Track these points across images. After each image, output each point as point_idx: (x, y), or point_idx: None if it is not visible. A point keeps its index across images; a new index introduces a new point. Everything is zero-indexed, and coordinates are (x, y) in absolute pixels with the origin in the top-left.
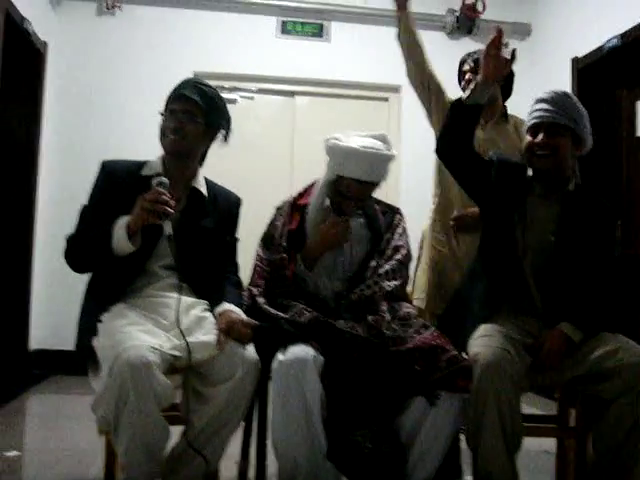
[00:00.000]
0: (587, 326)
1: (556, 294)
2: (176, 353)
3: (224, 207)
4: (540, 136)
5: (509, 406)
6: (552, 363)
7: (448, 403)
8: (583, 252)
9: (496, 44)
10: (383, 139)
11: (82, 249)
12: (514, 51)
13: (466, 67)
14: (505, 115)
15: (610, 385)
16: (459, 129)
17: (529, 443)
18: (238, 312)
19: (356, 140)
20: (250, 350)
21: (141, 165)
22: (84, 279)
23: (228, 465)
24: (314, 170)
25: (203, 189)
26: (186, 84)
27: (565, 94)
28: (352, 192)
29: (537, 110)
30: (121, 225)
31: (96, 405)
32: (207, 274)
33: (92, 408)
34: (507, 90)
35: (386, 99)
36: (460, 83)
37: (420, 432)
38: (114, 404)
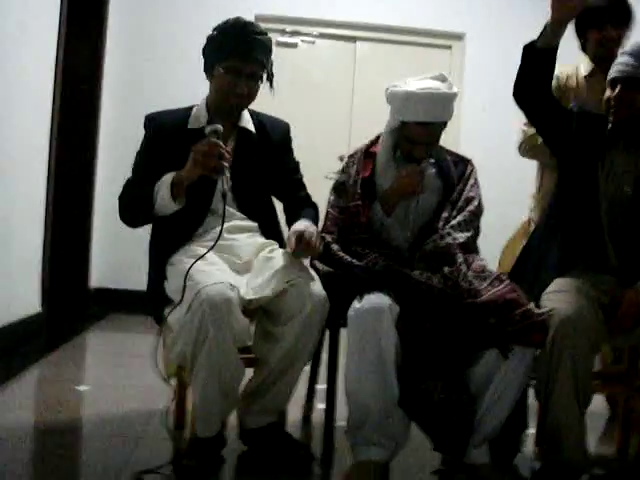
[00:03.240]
0: None
1: (632, 250)
2: (248, 296)
3: (275, 138)
4: (616, 90)
5: (583, 362)
6: (630, 322)
7: (520, 357)
8: None
9: None
10: (442, 78)
11: (129, 210)
12: None
13: None
14: None
15: None
16: (533, 74)
17: None
18: (311, 227)
19: (415, 83)
20: (318, 286)
21: (186, 115)
22: None
23: (293, 409)
24: (374, 117)
25: (250, 125)
26: (244, 35)
27: None
28: (419, 136)
29: (618, 64)
30: (165, 183)
31: (173, 342)
32: (273, 211)
33: (169, 345)
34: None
35: (449, 47)
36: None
37: (490, 384)
38: (193, 341)
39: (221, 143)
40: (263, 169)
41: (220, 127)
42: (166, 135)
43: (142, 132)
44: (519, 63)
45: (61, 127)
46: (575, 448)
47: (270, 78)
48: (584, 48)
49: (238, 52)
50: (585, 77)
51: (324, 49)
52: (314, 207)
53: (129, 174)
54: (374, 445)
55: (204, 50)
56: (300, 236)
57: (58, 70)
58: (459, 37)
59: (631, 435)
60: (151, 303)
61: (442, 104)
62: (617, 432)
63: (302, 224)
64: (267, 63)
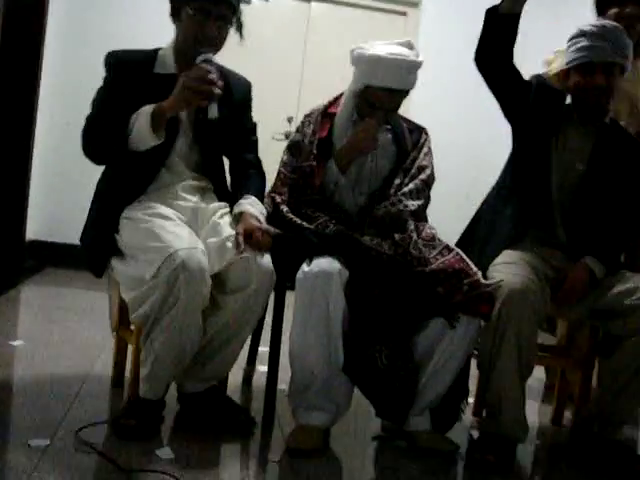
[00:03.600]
0: (610, 262)
1: (580, 226)
2: None
3: (238, 96)
4: (599, 77)
5: (528, 335)
6: (574, 296)
7: (465, 327)
8: (611, 186)
9: None
10: (409, 46)
11: (97, 143)
12: None
13: None
14: None
15: (624, 323)
16: (495, 39)
17: None
18: (258, 214)
19: (383, 48)
20: (266, 260)
21: (151, 58)
22: (84, 172)
23: (234, 371)
24: (325, 78)
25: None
26: None
27: (616, 27)
28: (382, 102)
29: (591, 47)
30: (144, 113)
31: (137, 302)
32: (224, 170)
33: (131, 304)
34: None
35: (404, 13)
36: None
37: (435, 353)
38: (159, 304)
39: (213, 70)
40: (222, 127)
41: (211, 55)
42: (130, 77)
43: (92, 72)
44: (481, 27)
45: None
46: (514, 419)
47: (239, 25)
48: None
49: None
50: None
51: (278, 6)
52: (261, 175)
53: (74, 119)
54: (316, 410)
55: None
56: (249, 234)
57: None
58: (414, 4)
59: (565, 406)
60: (95, 256)
61: (409, 72)
62: (553, 403)
63: (249, 209)
64: (237, 7)
